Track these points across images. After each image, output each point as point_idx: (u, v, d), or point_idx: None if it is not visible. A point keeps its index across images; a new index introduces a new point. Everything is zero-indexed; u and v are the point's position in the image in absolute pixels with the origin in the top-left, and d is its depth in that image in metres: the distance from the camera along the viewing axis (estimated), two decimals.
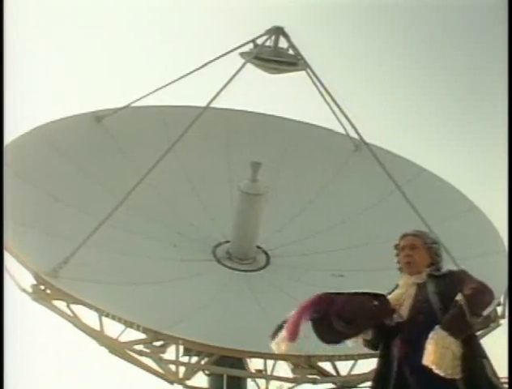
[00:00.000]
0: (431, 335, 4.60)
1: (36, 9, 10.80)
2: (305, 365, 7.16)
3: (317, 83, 8.64)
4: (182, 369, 7.65)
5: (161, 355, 6.87)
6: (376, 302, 4.82)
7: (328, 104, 8.84)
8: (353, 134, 9.38)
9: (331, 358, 7.00)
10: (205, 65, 8.74)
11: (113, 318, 6.79)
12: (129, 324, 6.78)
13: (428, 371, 4.58)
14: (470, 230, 9.29)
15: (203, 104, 9.63)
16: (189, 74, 8.84)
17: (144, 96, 9.17)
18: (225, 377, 8.16)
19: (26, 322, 8.09)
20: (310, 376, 6.88)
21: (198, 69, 8.77)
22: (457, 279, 4.85)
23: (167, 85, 9.02)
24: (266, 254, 9.14)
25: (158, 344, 6.89)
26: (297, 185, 9.96)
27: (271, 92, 9.98)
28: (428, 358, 4.56)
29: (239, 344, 7.11)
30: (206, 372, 8.36)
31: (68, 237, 7.92)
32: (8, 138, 8.73)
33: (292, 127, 10.41)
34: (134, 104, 9.65)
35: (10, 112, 7.32)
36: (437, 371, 4.56)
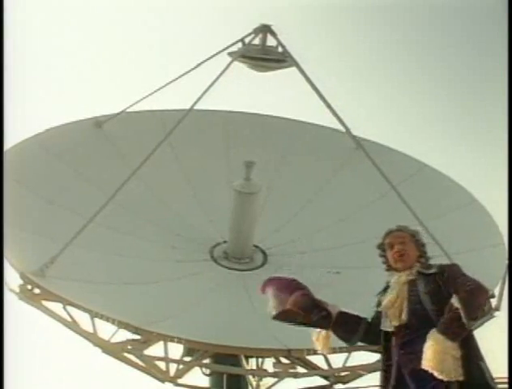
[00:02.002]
0: (428, 339, 4.58)
1: (36, 16, 11.03)
2: (295, 360, 7.19)
3: (309, 81, 8.64)
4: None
5: (144, 352, 6.92)
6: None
7: (323, 101, 8.80)
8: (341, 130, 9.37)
9: (311, 351, 6.97)
10: (197, 66, 8.79)
11: (96, 315, 6.87)
12: (111, 320, 6.84)
13: (426, 374, 4.57)
14: (469, 223, 9.23)
15: (199, 105, 9.83)
16: (180, 76, 8.90)
17: (139, 101, 9.27)
18: (225, 376, 8.26)
19: (26, 321, 8.17)
20: (292, 370, 6.84)
21: (189, 71, 8.82)
22: (449, 279, 4.82)
23: (160, 89, 9.10)
24: (263, 253, 9.16)
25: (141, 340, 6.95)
26: (297, 185, 9.96)
27: (265, 92, 10.03)
28: (429, 364, 4.54)
29: (226, 340, 7.11)
30: (206, 372, 8.45)
31: (62, 239, 8.00)
32: (8, 144, 8.96)
33: (292, 127, 10.43)
34: (133, 109, 9.82)
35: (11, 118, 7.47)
36: (439, 377, 4.54)
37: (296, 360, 7.36)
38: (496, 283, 8.06)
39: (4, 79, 7.22)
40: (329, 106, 8.63)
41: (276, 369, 6.82)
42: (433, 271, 4.90)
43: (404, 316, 4.79)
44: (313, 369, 7.21)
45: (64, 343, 8.25)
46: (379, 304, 5.04)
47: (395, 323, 4.82)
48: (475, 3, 10.71)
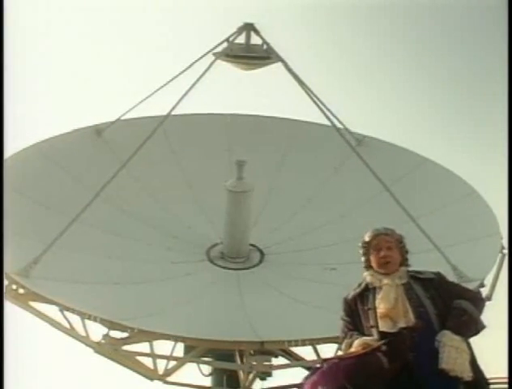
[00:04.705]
0: (444, 340, 4.68)
1: (36, 22, 11.27)
2: (281, 352, 7.20)
3: (296, 76, 8.64)
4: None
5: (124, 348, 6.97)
6: (385, 360, 4.68)
7: (310, 97, 8.78)
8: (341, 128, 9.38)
9: (285, 343, 6.95)
10: (187, 68, 8.86)
11: (75, 312, 6.94)
12: (87, 316, 6.93)
13: (441, 374, 4.63)
14: (468, 214, 9.14)
15: (193, 109, 9.93)
16: (172, 80, 8.99)
17: (132, 108, 9.39)
18: (225, 377, 8.28)
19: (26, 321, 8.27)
20: (267, 362, 6.82)
21: (179, 74, 8.90)
22: (451, 286, 5.03)
23: (153, 93, 9.22)
24: (260, 252, 9.16)
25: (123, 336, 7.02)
26: (298, 184, 9.96)
27: (258, 91, 10.10)
28: (454, 364, 4.62)
29: (206, 334, 7.14)
30: (206, 373, 8.47)
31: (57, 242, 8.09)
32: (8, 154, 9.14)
33: (292, 126, 10.42)
34: (132, 115, 9.96)
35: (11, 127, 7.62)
36: (463, 376, 4.64)
37: (282, 352, 7.38)
38: (487, 272, 7.96)
39: (4, 86, 7.39)
40: (316, 102, 8.64)
41: (252, 362, 6.79)
42: (428, 276, 5.00)
43: (412, 316, 4.80)
44: (296, 360, 7.19)
45: (62, 344, 8.32)
46: (351, 312, 5.00)
47: (402, 324, 4.80)
48: (475, 3, 10.68)
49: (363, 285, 5.04)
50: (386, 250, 4.97)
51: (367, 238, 5.06)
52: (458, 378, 4.67)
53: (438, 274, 5.06)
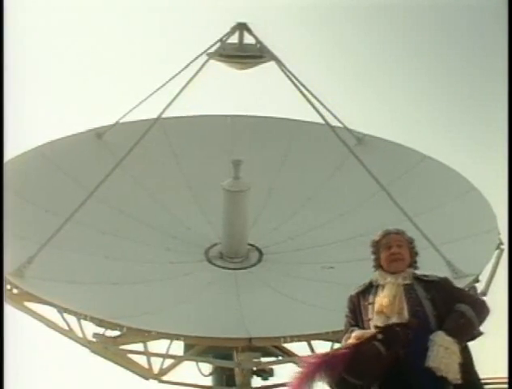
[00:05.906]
0: (437, 339, 4.71)
1: (36, 26, 11.34)
2: (280, 351, 7.21)
3: (289, 73, 8.65)
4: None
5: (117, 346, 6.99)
6: (382, 348, 4.71)
7: (303, 95, 8.77)
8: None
9: (273, 340, 6.93)
10: (182, 70, 8.91)
11: (66, 310, 6.99)
12: (80, 316, 6.96)
13: (430, 373, 4.66)
14: (468, 211, 9.12)
15: (192, 109, 9.98)
16: (167, 82, 9.02)
17: (129, 112, 9.44)
18: (225, 377, 8.28)
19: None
20: (255, 360, 6.81)
21: (175, 76, 8.92)
22: (454, 290, 5.05)
23: (150, 96, 9.26)
24: (259, 251, 9.16)
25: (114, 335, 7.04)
26: (298, 183, 9.96)
27: (256, 92, 10.13)
28: (440, 363, 4.64)
29: (205, 333, 7.15)
30: (205, 372, 8.48)
31: (52, 243, 8.15)
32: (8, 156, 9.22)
33: (291, 126, 10.44)
34: (132, 119, 10.01)
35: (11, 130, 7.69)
36: (448, 376, 4.66)
37: (281, 352, 7.37)
38: (482, 267, 7.92)
39: (4, 88, 7.46)
40: (311, 101, 8.64)
41: (240, 359, 6.79)
42: (432, 279, 5.03)
43: (406, 314, 4.84)
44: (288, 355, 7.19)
45: (61, 344, 8.36)
46: (353, 309, 5.04)
47: (396, 320, 4.83)
48: (475, 3, 10.66)
49: (367, 282, 5.10)
50: (396, 247, 5.01)
51: (377, 237, 5.12)
52: (447, 379, 4.69)
53: (444, 279, 5.11)
